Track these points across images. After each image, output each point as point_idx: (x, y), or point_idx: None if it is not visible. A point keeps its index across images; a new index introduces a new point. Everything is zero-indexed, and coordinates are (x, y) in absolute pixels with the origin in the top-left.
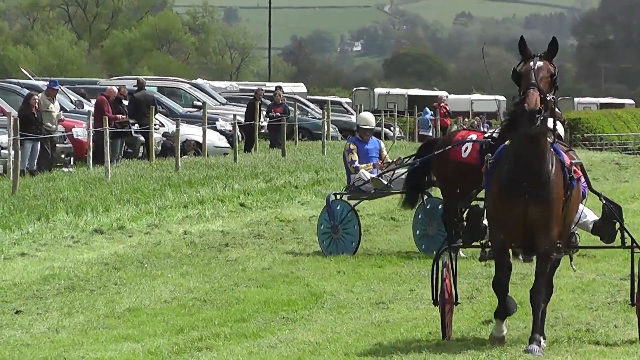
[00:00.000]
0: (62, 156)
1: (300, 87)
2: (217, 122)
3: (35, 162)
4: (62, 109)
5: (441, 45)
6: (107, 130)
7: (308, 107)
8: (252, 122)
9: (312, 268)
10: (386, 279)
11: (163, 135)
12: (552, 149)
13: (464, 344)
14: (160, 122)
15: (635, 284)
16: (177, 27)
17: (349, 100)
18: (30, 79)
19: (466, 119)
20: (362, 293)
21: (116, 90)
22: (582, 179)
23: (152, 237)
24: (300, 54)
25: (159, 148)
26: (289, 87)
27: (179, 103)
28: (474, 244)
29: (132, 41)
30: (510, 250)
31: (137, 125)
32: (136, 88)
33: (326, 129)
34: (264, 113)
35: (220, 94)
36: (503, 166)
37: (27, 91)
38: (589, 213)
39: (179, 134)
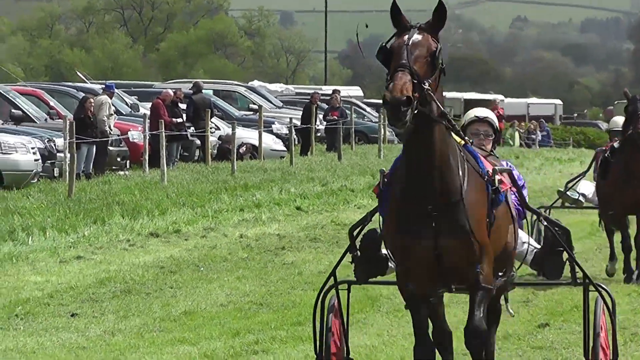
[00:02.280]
0: (118, 159)
1: (357, 91)
2: (273, 126)
3: (91, 165)
4: (116, 112)
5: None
6: (163, 133)
7: (364, 110)
8: (308, 125)
9: None
10: None
11: (219, 138)
12: (461, 153)
13: (519, 346)
14: (216, 125)
15: (591, 332)
16: (232, 31)
17: None
18: (85, 82)
19: (522, 123)
20: None
21: (172, 94)
22: (513, 193)
23: (208, 240)
24: (356, 58)
25: (215, 151)
26: (345, 91)
27: (235, 106)
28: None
29: (187, 45)
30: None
31: (192, 128)
32: (193, 91)
33: (383, 133)
34: (321, 116)
35: (276, 98)
36: (397, 185)
37: (83, 94)
38: (526, 240)
39: (235, 137)
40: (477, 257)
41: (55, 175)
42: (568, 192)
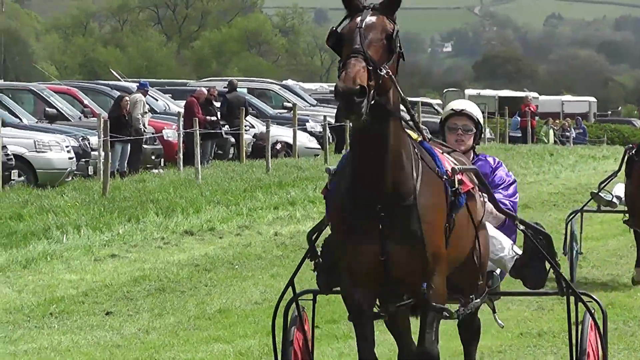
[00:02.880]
0: (152, 157)
1: None
2: (307, 124)
3: (125, 164)
4: (151, 110)
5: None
6: (197, 131)
7: None
8: (343, 123)
9: None
10: None
11: (253, 136)
12: (415, 150)
13: (554, 344)
14: (250, 123)
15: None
16: (266, 29)
17: (439, 101)
18: (119, 80)
19: (557, 120)
20: None
21: (206, 92)
22: (481, 194)
23: (242, 238)
24: None
25: (250, 149)
26: None
27: (269, 104)
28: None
29: (221, 43)
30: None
31: (227, 126)
32: (227, 89)
33: None
34: None
35: (310, 96)
36: (343, 183)
37: (117, 93)
38: (507, 245)
39: (270, 136)
40: (429, 268)
41: (90, 173)
42: (601, 194)
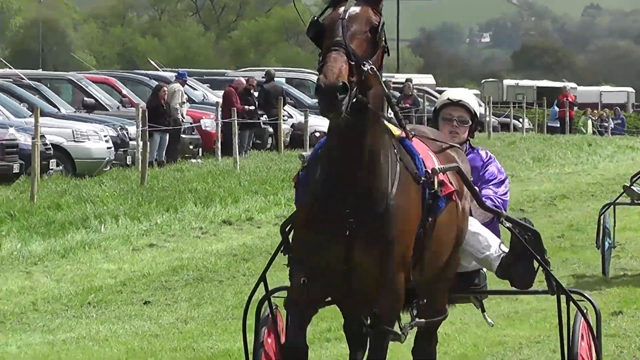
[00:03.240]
0: (190, 147)
1: (429, 79)
2: None
3: (163, 153)
4: (190, 100)
5: (569, 37)
6: (236, 121)
7: (437, 98)
8: None
9: None
10: None
11: (292, 126)
12: (394, 150)
13: None
14: (288, 113)
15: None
16: (305, 19)
17: (477, 91)
18: (158, 70)
19: (595, 111)
20: (492, 285)
21: (244, 82)
22: (466, 196)
23: None
24: (428, 46)
25: (288, 139)
26: (417, 79)
27: (307, 94)
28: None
29: (259, 32)
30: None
31: (265, 116)
32: (265, 79)
33: None
34: None
35: None
36: (314, 176)
37: (155, 82)
38: (494, 243)
39: (308, 125)
40: (388, 280)
41: (128, 163)
42: (633, 187)
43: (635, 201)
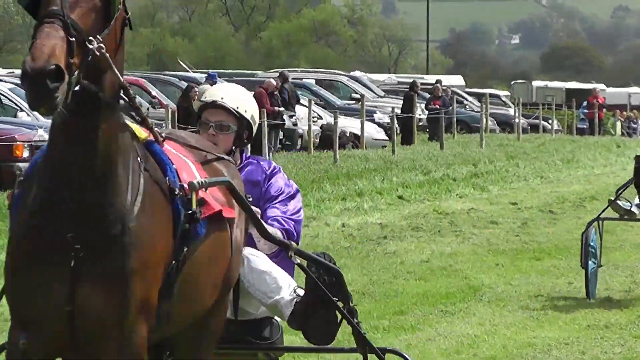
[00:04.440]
0: None
1: (459, 80)
2: (375, 115)
3: None
4: None
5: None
6: (265, 122)
7: (466, 99)
8: (411, 114)
9: (470, 261)
10: (545, 271)
11: (320, 127)
12: (138, 159)
13: (621, 336)
14: (318, 114)
15: None
16: (335, 20)
17: (507, 93)
18: (188, 71)
19: (624, 112)
20: (521, 286)
21: (274, 83)
22: (239, 222)
23: (310, 229)
24: (458, 47)
25: (317, 140)
26: (447, 80)
27: (337, 95)
28: None
29: (290, 34)
30: None
31: (295, 117)
32: (280, 81)
33: (485, 122)
34: (422, 106)
35: (378, 87)
36: (32, 193)
37: (185, 84)
38: (285, 284)
39: (337, 126)
40: (124, 325)
41: None
42: (619, 202)
43: (623, 216)
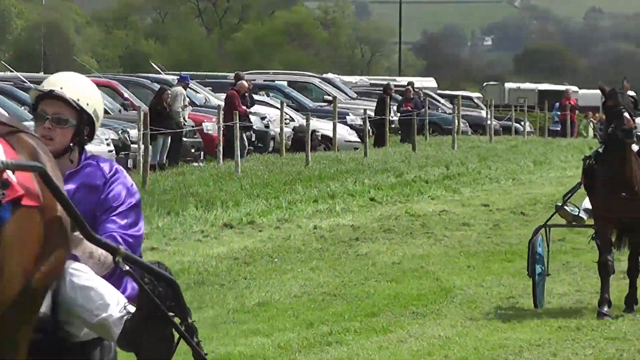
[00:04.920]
0: (192, 150)
1: (431, 82)
2: (347, 117)
3: (165, 157)
4: (191, 103)
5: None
6: (237, 124)
7: (438, 102)
8: (383, 117)
9: (442, 262)
10: (516, 273)
11: (293, 129)
12: None
13: (592, 337)
14: (290, 116)
15: None
16: (308, 22)
17: (479, 95)
18: (160, 73)
19: (596, 114)
20: (492, 287)
21: (246, 85)
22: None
23: (282, 231)
24: (430, 49)
25: (289, 142)
26: (419, 82)
27: (310, 97)
28: None
29: (263, 36)
30: None
31: (267, 119)
32: (234, 81)
33: (457, 124)
34: (394, 108)
35: (350, 89)
36: None
37: (157, 86)
38: (114, 301)
39: (309, 128)
40: None
41: (129, 166)
42: (567, 207)
43: (571, 222)
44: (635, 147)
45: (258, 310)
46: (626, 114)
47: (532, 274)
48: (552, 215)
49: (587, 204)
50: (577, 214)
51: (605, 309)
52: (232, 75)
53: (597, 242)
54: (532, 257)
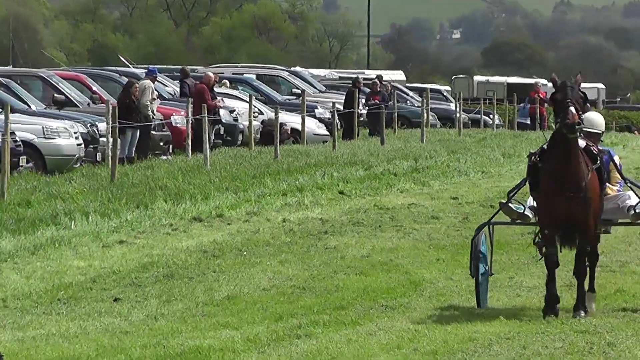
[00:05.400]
0: (161, 144)
1: (399, 75)
2: (315, 110)
3: (133, 150)
4: (160, 96)
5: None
6: (206, 117)
7: (407, 95)
8: (352, 110)
9: (411, 256)
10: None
11: (262, 122)
12: None
13: (562, 330)
14: (259, 109)
15: None
16: (276, 15)
17: (448, 88)
18: (128, 66)
19: None
20: (462, 281)
21: (212, 76)
22: None
23: (250, 224)
24: (399, 42)
25: (258, 136)
26: (388, 75)
27: (278, 91)
28: None
29: (230, 29)
30: None
31: (235, 112)
32: (181, 76)
33: (425, 117)
34: (363, 101)
35: (319, 82)
36: None
37: (126, 79)
38: None
39: (278, 121)
40: None
41: (98, 160)
42: (511, 205)
43: (516, 220)
44: (582, 143)
45: (227, 304)
46: (572, 108)
47: (475, 273)
48: (495, 213)
49: (532, 201)
50: (522, 211)
51: (555, 307)
52: (200, 68)
53: (538, 243)
54: (475, 256)
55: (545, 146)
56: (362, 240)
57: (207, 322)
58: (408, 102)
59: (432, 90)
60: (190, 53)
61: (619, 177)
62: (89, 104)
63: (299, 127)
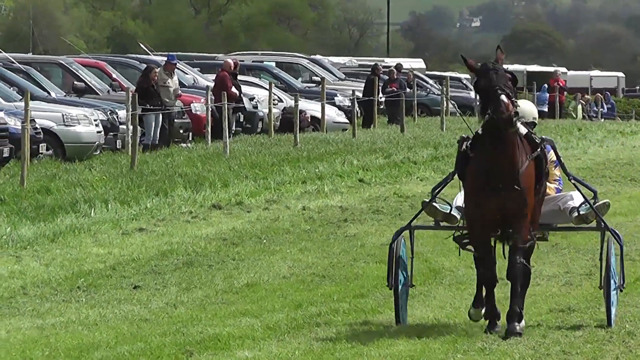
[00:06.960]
0: (181, 131)
1: (419, 63)
2: (335, 98)
3: (158, 135)
4: (180, 84)
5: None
6: (226, 105)
7: (427, 82)
8: (372, 97)
9: (431, 244)
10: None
11: (282, 110)
12: None
13: (582, 319)
14: (278, 97)
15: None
16: (296, 2)
17: (467, 76)
18: (148, 54)
19: (585, 95)
20: None
21: (232, 63)
22: None
23: (270, 212)
24: (419, 30)
25: (278, 123)
26: (408, 63)
27: (298, 78)
28: None
29: (250, 16)
30: None
31: (255, 99)
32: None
33: (445, 105)
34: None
35: (339, 70)
36: None
37: (145, 66)
38: None
39: (298, 109)
40: None
41: (118, 147)
42: (435, 204)
43: (440, 222)
44: (523, 130)
45: (246, 291)
46: (503, 97)
47: (393, 283)
48: (417, 214)
49: (460, 199)
50: (448, 211)
51: (495, 325)
52: (220, 56)
53: (460, 244)
54: (393, 264)
55: (480, 131)
56: (381, 228)
57: (227, 310)
58: (428, 90)
59: (451, 78)
60: (210, 40)
61: (557, 175)
62: (108, 92)
63: (319, 115)
